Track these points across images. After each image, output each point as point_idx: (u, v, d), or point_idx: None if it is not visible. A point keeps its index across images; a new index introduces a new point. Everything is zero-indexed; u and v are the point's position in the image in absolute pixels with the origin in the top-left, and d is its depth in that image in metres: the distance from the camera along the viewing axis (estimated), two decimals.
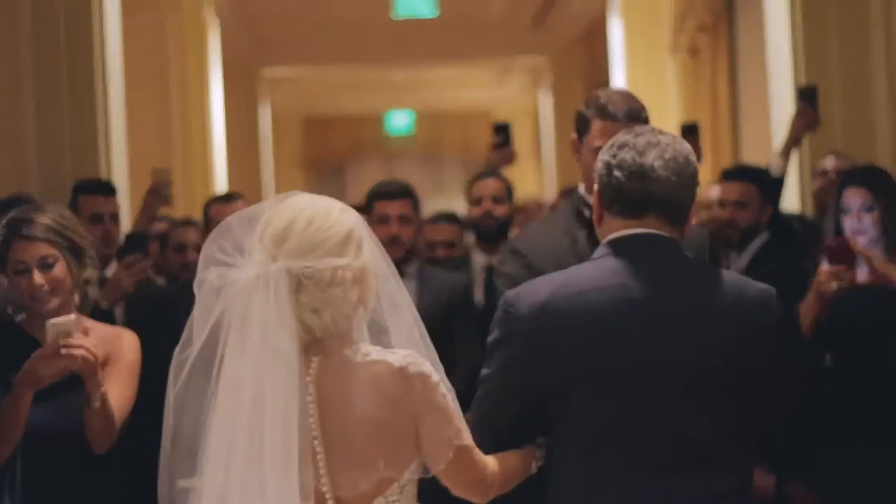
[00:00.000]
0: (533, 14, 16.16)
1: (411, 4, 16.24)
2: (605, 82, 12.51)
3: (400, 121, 23.07)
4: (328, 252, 3.14)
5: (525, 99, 20.38)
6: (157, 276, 6.47)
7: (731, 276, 3.48)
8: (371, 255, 3.22)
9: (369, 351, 3.19)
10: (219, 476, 3.11)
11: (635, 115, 4.09)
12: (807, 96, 6.91)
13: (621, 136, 3.43)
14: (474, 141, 20.79)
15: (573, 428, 3.34)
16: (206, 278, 3.17)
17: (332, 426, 3.13)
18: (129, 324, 6.01)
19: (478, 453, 3.29)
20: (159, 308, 5.90)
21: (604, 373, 3.30)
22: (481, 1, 15.80)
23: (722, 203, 6.53)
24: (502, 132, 7.17)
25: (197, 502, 3.14)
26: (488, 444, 3.36)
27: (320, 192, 3.32)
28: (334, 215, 3.19)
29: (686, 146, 3.40)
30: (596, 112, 4.13)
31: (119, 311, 6.11)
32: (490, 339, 3.41)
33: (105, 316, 5.80)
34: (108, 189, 6.31)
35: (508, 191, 6.94)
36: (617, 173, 3.37)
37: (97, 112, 7.46)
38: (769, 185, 6.57)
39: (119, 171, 7.69)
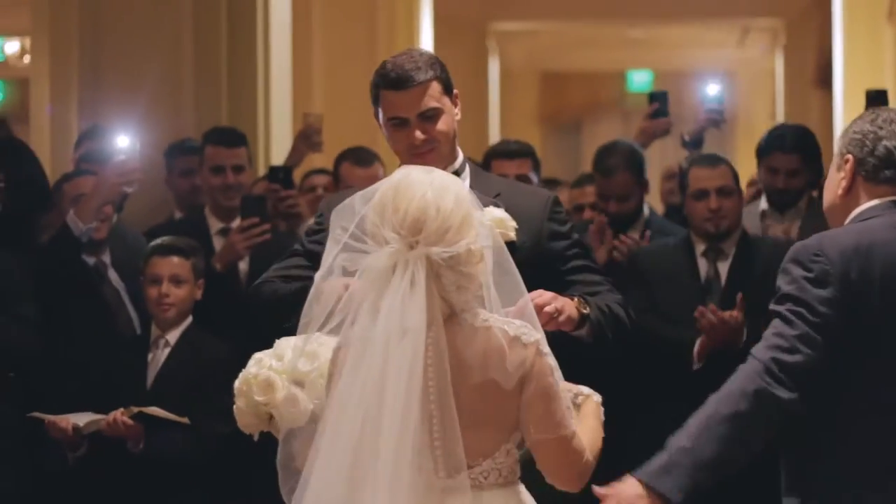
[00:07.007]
0: None
1: None
2: (830, 48, 11.96)
3: (639, 79, 22.65)
4: (458, 233, 3.22)
5: (766, 62, 19.73)
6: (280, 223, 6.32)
7: None
8: (480, 224, 3.29)
9: (487, 317, 3.26)
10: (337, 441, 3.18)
11: (412, 78, 3.88)
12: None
13: (873, 110, 3.66)
14: None
15: (859, 391, 3.42)
16: (338, 263, 3.25)
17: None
18: (253, 276, 5.98)
19: (578, 442, 3.27)
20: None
21: None
22: None
23: None
24: (659, 100, 6.77)
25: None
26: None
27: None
28: (451, 194, 3.24)
29: None
30: (383, 83, 3.96)
31: (243, 266, 6.05)
32: (788, 288, 3.43)
33: (219, 278, 5.72)
34: (232, 140, 6.17)
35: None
36: (890, 143, 3.59)
37: (257, 59, 7.41)
38: None
39: (280, 120, 7.61)
